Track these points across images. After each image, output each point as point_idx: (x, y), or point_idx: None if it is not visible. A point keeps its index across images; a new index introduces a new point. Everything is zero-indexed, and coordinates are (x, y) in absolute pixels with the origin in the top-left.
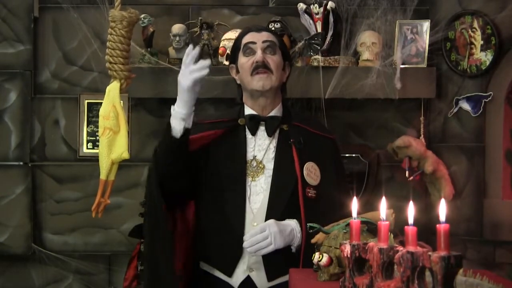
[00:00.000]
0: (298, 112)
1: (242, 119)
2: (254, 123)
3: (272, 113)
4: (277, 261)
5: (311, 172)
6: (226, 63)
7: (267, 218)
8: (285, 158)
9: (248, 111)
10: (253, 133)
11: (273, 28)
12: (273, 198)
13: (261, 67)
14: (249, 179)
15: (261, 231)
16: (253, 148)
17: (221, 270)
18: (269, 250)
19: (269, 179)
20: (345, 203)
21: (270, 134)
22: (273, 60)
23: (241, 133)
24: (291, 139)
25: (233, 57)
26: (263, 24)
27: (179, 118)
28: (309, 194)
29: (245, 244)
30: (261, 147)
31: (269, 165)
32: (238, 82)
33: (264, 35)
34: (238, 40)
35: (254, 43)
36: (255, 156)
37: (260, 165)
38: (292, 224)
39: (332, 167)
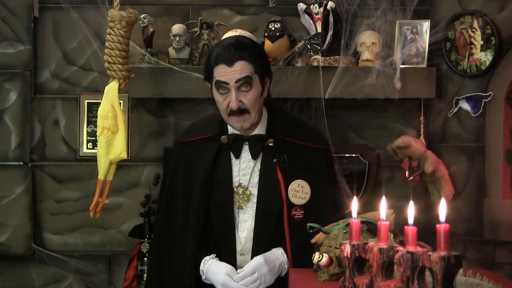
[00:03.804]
0: (285, 119)
1: (224, 137)
2: (237, 144)
3: (255, 131)
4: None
5: (297, 192)
6: None
7: (253, 248)
8: (270, 181)
9: (230, 129)
10: (237, 156)
11: (273, 28)
12: (259, 227)
13: (236, 113)
14: (235, 206)
15: (251, 274)
16: (238, 173)
17: None
18: None
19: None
20: (338, 215)
21: (255, 157)
22: (249, 99)
23: (226, 156)
24: (274, 159)
25: (206, 76)
26: (263, 24)
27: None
28: (296, 217)
29: None
30: (245, 171)
31: (255, 191)
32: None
33: (237, 70)
34: (209, 65)
35: (226, 83)
36: (241, 183)
37: (246, 192)
38: (279, 256)
39: (325, 180)
